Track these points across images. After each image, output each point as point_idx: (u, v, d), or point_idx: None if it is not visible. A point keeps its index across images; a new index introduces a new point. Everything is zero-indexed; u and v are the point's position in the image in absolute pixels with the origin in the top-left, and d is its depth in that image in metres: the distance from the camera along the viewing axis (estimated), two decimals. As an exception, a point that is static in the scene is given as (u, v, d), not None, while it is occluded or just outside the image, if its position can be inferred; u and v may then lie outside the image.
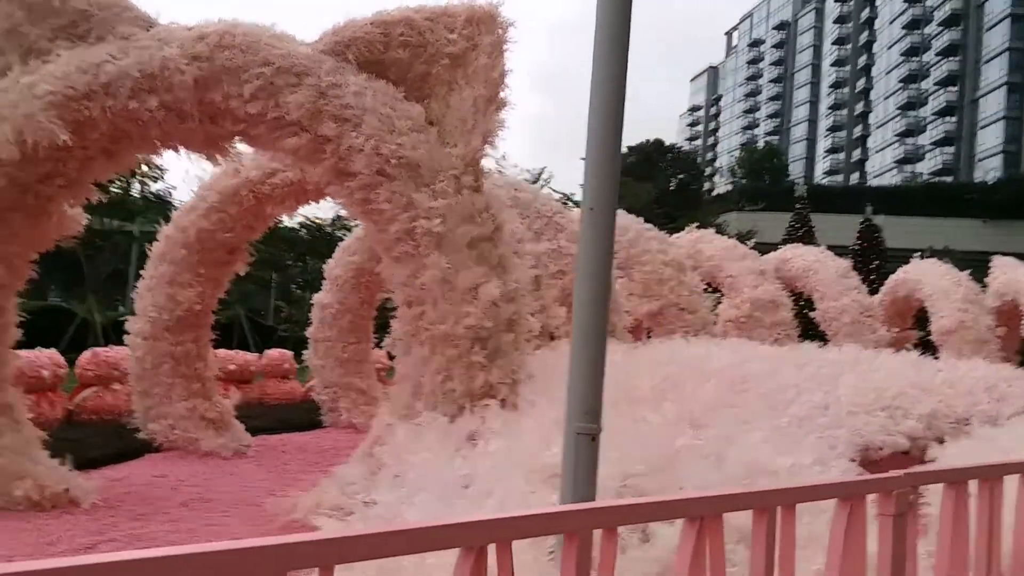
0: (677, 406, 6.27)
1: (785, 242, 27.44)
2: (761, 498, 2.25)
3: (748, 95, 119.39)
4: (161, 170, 21.15)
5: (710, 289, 14.03)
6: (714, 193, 76.27)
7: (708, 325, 13.14)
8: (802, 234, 30.49)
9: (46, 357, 9.83)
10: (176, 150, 6.91)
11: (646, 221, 15.19)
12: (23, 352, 9.89)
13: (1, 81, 6.29)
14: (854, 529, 2.17)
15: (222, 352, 13.50)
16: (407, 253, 6.31)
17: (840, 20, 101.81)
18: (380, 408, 7.04)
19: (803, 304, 18.64)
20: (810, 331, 17.64)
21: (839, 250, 32.24)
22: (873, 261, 30.74)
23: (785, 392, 8.26)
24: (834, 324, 16.50)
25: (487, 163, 6.79)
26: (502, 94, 6.60)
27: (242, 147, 8.16)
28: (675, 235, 16.76)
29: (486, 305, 6.20)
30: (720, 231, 37.90)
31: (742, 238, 41.17)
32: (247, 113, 6.32)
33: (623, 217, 14.04)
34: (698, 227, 17.07)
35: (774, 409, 7.41)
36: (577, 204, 45.68)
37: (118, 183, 21.96)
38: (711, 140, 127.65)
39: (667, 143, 65.82)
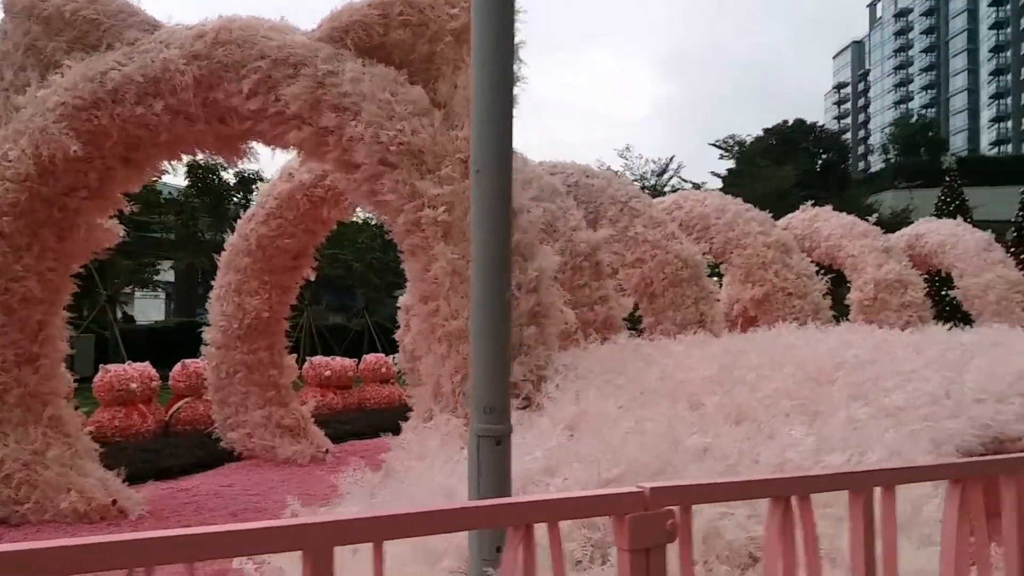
0: (727, 400, 5.50)
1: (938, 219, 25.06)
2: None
3: (898, 68, 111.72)
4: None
5: (823, 272, 12.78)
6: (870, 172, 71.67)
7: (821, 310, 11.97)
8: (953, 209, 27.76)
9: (135, 370, 10.11)
10: (193, 153, 6.81)
11: (786, 206, 14.25)
12: (112, 366, 10.27)
13: (23, 98, 6.38)
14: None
15: (317, 359, 13.63)
16: (417, 246, 5.89)
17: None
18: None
19: (940, 283, 16.82)
20: (955, 313, 15.88)
21: (1004, 225, 29.26)
22: (1040, 234, 27.61)
23: (887, 380, 7.27)
24: (977, 303, 14.69)
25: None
26: (513, 67, 6.05)
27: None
28: (788, 215, 15.54)
29: (502, 296, 5.67)
30: (871, 211, 35.26)
31: (897, 217, 38.10)
32: (249, 110, 6.10)
33: (717, 198, 13.10)
34: (812, 206, 15.62)
35: (860, 399, 6.45)
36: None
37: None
38: (861, 118, 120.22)
39: (810, 123, 62.20)
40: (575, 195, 10.74)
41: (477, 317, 2.78)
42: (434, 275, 5.78)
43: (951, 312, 15.82)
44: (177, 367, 10.91)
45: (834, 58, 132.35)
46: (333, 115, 5.94)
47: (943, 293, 16.79)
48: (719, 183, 46.86)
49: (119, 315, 37.77)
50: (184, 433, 10.39)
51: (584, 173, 10.90)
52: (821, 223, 14.47)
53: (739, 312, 12.77)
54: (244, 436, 9.30)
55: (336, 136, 5.97)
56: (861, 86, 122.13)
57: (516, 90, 6.20)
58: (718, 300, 10.48)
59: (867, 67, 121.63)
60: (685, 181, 42.80)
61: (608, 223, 10.57)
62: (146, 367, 10.33)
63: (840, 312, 14.08)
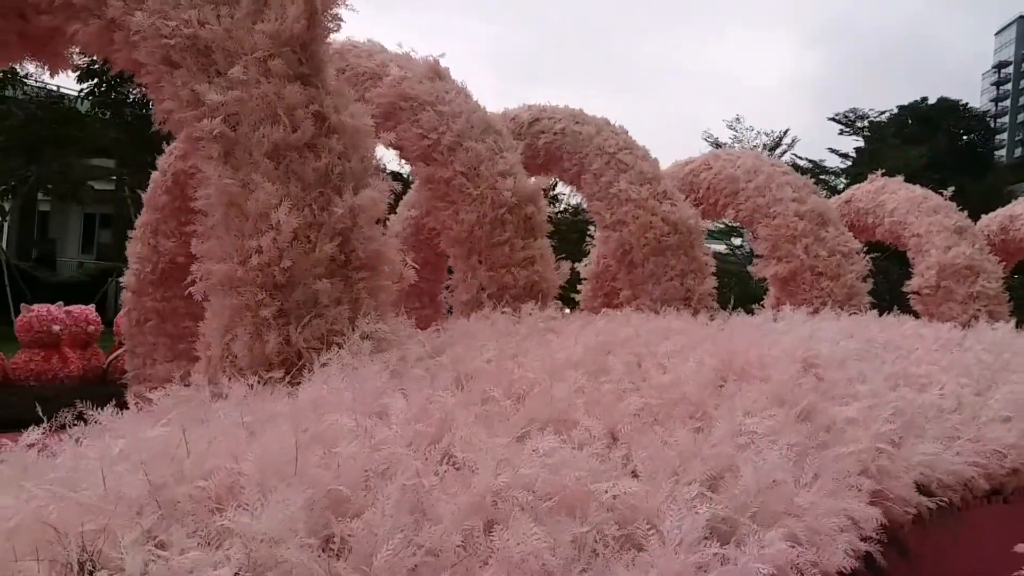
0: (545, 394, 4.06)
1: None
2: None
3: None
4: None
5: (867, 250, 10.66)
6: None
7: (856, 295, 10.01)
8: (1094, 196, 24.03)
9: (61, 312, 9.42)
10: (9, 59, 5.83)
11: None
12: (37, 306, 9.64)
13: None
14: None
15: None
16: (198, 168, 4.71)
17: None
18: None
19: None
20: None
21: None
22: None
23: (863, 384, 5.64)
24: (1077, 299, 12.17)
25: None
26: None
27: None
28: (855, 186, 13.44)
29: (286, 239, 4.42)
30: (1012, 198, 31.30)
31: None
32: (42, 2, 5.05)
33: (751, 158, 11.29)
34: (938, 191, 13.15)
35: (786, 405, 4.84)
36: (823, 172, 40.62)
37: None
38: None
39: (961, 102, 56.59)
40: (560, 144, 9.33)
41: None
42: (209, 205, 4.59)
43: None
44: (121, 313, 10.19)
45: (996, 35, 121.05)
46: (119, 3, 4.80)
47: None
48: (839, 161, 43.44)
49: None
50: (117, 383, 9.66)
51: (574, 119, 9.41)
52: (887, 196, 12.29)
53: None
54: (146, 390, 8.42)
55: (124, 32, 4.83)
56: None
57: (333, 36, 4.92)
58: (713, 274, 8.77)
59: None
60: (800, 158, 39.70)
61: (591, 177, 9.09)
62: (83, 310, 9.62)
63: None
